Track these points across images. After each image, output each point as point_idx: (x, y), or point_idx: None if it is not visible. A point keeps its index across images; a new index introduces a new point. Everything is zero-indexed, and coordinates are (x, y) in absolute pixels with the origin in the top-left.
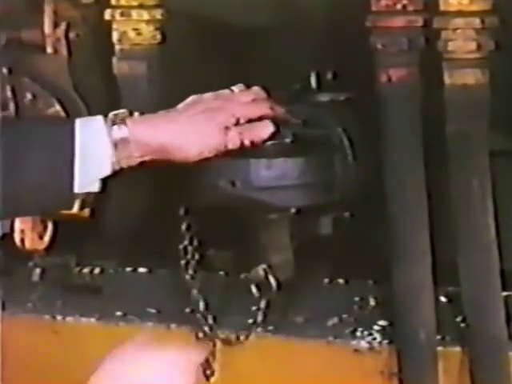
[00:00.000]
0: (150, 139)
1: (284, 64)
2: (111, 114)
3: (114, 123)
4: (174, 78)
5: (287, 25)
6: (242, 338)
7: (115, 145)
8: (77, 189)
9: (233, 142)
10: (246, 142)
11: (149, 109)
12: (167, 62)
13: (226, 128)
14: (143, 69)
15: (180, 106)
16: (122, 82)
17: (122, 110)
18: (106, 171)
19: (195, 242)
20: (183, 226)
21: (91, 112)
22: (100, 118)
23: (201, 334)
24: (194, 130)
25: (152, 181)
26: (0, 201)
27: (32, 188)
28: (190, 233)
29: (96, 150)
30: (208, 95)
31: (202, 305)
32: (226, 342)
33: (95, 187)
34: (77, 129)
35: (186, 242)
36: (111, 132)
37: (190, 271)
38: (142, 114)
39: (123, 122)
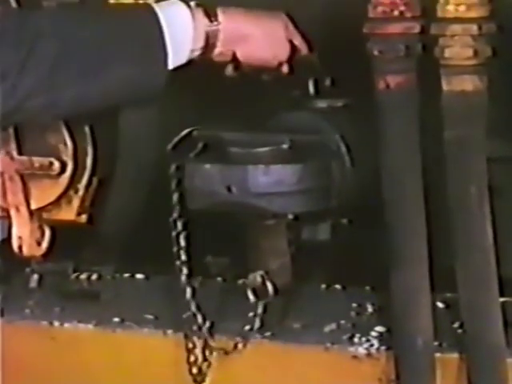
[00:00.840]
0: (239, 28)
1: None
2: (194, 3)
3: (206, 13)
4: (170, 81)
5: None
6: (239, 346)
7: (206, 36)
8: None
9: (305, 50)
10: None
11: (146, 111)
12: None
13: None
14: None
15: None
16: None
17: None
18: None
19: (192, 248)
20: (179, 232)
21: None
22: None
23: (197, 340)
24: (270, 31)
25: (149, 187)
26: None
27: (128, 71)
28: (187, 239)
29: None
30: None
31: (199, 311)
32: (224, 351)
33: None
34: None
35: (182, 248)
36: (205, 22)
37: (187, 277)
38: None
39: (214, 12)
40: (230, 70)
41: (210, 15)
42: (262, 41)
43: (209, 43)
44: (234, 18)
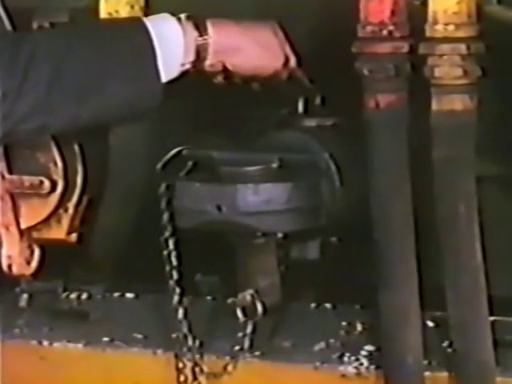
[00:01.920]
0: (229, 40)
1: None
2: (184, 16)
3: (196, 26)
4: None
5: None
6: (229, 365)
7: (197, 49)
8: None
9: (293, 62)
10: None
11: (136, 130)
12: None
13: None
14: None
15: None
16: None
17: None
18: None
19: (182, 267)
20: (170, 251)
21: None
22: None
23: (187, 360)
24: (262, 39)
25: (139, 206)
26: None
27: (122, 85)
28: (177, 258)
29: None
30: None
31: (189, 331)
32: (213, 370)
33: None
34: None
35: (174, 267)
36: (195, 35)
37: (177, 296)
38: None
39: (204, 24)
40: (219, 78)
41: (200, 28)
42: (253, 51)
43: (199, 56)
44: (223, 30)
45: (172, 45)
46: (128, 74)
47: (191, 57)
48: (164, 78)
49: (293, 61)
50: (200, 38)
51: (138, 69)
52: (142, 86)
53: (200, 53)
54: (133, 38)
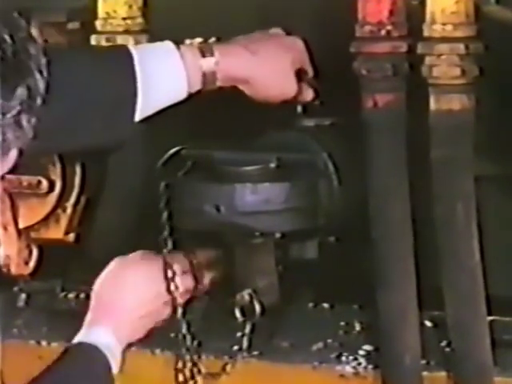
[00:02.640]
0: (237, 71)
1: None
2: (197, 43)
3: (202, 53)
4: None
5: None
6: (228, 365)
7: (203, 75)
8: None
9: (307, 94)
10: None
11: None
12: None
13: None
14: None
15: (251, 36)
16: None
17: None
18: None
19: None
20: (169, 251)
21: None
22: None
23: (185, 360)
24: (274, 69)
25: (138, 205)
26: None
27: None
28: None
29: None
30: (274, 31)
31: (187, 330)
32: (211, 371)
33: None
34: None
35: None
36: (200, 63)
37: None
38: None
39: (211, 52)
40: None
41: (206, 56)
42: (264, 81)
43: (206, 83)
44: (232, 58)
45: (162, 85)
46: (103, 108)
47: (197, 85)
48: (138, 118)
49: (311, 74)
50: (206, 67)
51: (112, 116)
52: (114, 123)
53: (207, 80)
54: (116, 82)
